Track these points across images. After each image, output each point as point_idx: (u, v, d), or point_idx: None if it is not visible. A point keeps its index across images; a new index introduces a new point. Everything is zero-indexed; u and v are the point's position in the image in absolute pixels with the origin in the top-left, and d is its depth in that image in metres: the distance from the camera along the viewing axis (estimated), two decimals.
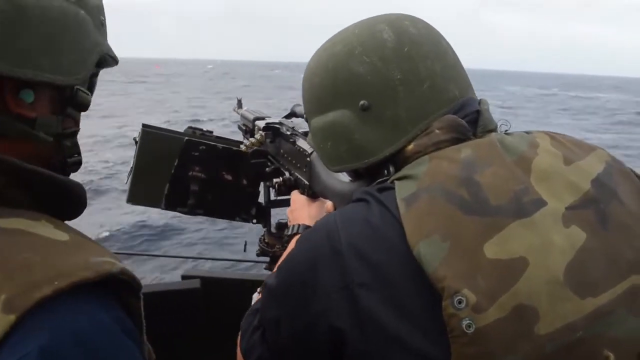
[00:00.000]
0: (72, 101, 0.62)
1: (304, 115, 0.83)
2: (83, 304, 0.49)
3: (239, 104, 1.62)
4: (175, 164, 1.30)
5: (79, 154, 0.67)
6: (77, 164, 0.67)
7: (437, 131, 0.68)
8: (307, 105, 0.81)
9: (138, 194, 1.33)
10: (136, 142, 1.32)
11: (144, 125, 1.32)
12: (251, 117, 1.44)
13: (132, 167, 1.32)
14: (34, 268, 0.48)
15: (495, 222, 0.59)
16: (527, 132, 0.71)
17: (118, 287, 0.53)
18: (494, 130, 0.72)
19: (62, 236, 0.54)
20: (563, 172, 0.65)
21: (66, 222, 0.61)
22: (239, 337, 0.80)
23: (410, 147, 0.69)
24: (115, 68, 0.72)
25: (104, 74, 0.71)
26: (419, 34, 0.73)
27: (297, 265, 0.68)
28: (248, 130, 1.49)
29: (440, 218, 0.59)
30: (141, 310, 0.56)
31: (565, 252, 0.59)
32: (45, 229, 0.54)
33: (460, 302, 0.55)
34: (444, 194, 0.61)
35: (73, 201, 0.62)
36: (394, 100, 0.70)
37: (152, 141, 1.30)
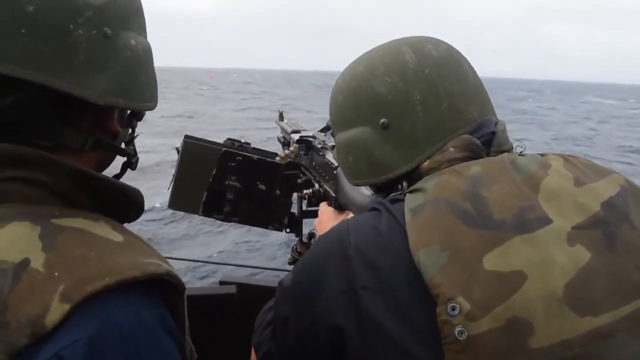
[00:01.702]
0: (138, 116, 0.74)
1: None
2: (129, 300, 0.53)
3: (281, 117, 1.68)
4: (213, 173, 1.35)
5: (137, 154, 0.75)
6: (137, 163, 0.76)
7: (451, 149, 0.71)
8: (332, 121, 0.86)
9: (178, 200, 1.39)
10: (178, 152, 1.39)
11: (186, 137, 1.39)
12: (289, 129, 1.50)
13: (173, 175, 1.39)
14: (89, 264, 0.53)
15: (496, 236, 0.61)
16: (542, 154, 0.73)
17: (163, 287, 0.58)
18: (509, 150, 0.74)
19: (117, 237, 0.59)
20: (572, 192, 0.66)
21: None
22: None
23: (426, 164, 0.72)
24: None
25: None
26: (440, 57, 0.76)
27: (309, 267, 0.72)
28: (286, 143, 1.55)
29: (442, 229, 0.62)
30: (184, 311, 0.61)
31: (566, 270, 0.59)
32: (102, 229, 0.59)
33: (453, 309, 0.57)
34: (448, 206, 0.63)
35: (131, 205, 0.68)
36: (413, 119, 0.74)
37: (192, 151, 1.37)
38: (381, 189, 0.83)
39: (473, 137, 0.72)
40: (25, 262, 0.51)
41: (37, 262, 0.52)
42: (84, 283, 0.51)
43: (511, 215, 0.62)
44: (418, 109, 0.73)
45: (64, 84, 0.58)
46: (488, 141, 0.73)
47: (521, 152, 0.74)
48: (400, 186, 0.75)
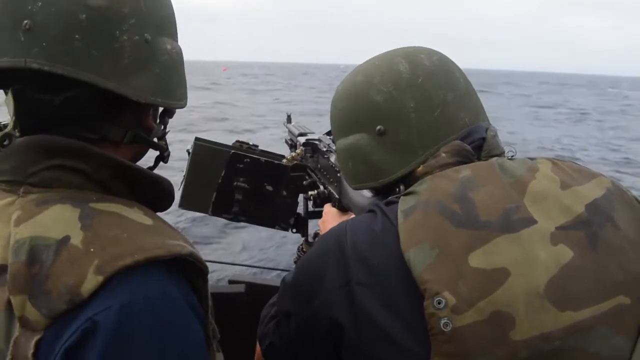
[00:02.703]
0: (170, 113, 0.80)
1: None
2: (155, 276, 0.59)
3: (288, 119, 1.72)
4: (222, 174, 1.40)
5: (168, 148, 0.82)
6: (168, 156, 0.82)
7: (443, 155, 0.75)
8: (333, 127, 0.90)
9: (188, 200, 1.44)
10: (189, 154, 1.44)
11: (196, 139, 1.44)
12: (296, 132, 1.53)
13: (184, 176, 1.44)
14: (121, 243, 0.59)
15: (481, 235, 0.64)
16: (531, 158, 0.76)
17: (188, 268, 0.63)
18: (499, 155, 0.77)
19: (148, 221, 0.65)
20: (558, 195, 0.69)
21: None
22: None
23: (420, 168, 0.76)
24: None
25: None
26: (432, 66, 0.80)
27: (309, 264, 0.77)
28: (293, 145, 1.58)
29: (432, 229, 0.66)
30: (207, 291, 0.66)
31: (549, 268, 0.63)
32: (135, 214, 0.65)
33: (439, 302, 0.61)
34: (438, 208, 0.67)
35: (162, 194, 0.74)
36: (407, 126, 0.78)
37: (202, 153, 1.41)
38: (380, 192, 0.87)
39: (464, 142, 0.76)
40: (66, 239, 0.58)
41: (76, 239, 0.58)
42: (115, 259, 0.57)
43: (497, 216, 0.66)
44: (412, 116, 0.77)
45: (111, 84, 0.64)
46: (479, 146, 0.77)
47: (512, 156, 0.78)
48: (398, 189, 0.79)
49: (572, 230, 0.66)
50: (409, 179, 0.78)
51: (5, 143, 0.60)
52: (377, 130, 0.80)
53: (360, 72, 0.84)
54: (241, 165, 1.40)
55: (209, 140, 1.47)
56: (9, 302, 0.56)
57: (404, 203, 0.70)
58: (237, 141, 1.51)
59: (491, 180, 0.70)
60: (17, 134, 0.62)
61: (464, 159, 0.75)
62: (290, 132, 1.63)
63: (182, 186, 1.43)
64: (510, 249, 0.64)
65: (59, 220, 0.60)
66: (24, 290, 0.56)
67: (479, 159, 0.76)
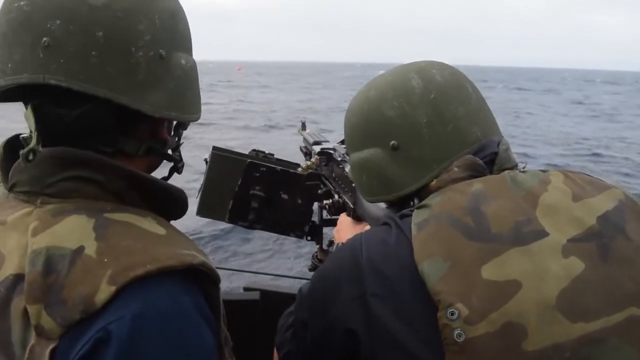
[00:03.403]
0: (184, 125, 0.81)
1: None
2: (167, 286, 0.60)
3: (303, 126, 1.74)
4: (239, 183, 1.42)
5: (182, 159, 0.84)
6: (182, 167, 0.84)
7: (455, 169, 0.76)
8: (346, 141, 0.92)
9: (206, 208, 1.46)
10: (206, 162, 1.47)
11: (214, 148, 1.47)
12: (311, 140, 1.55)
13: (202, 184, 1.47)
14: (134, 253, 0.60)
15: (493, 248, 0.66)
16: (543, 171, 0.77)
17: (200, 277, 0.64)
18: (511, 168, 0.78)
19: (161, 231, 0.66)
20: (569, 207, 0.70)
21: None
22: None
23: (434, 182, 0.78)
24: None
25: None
26: (444, 81, 0.81)
27: (325, 276, 0.79)
28: (308, 153, 1.61)
29: (444, 241, 0.67)
30: (219, 299, 0.67)
31: (560, 280, 0.64)
32: (149, 224, 0.66)
33: (452, 313, 0.62)
34: (450, 221, 0.69)
35: (174, 202, 0.75)
36: (420, 141, 0.79)
37: (220, 162, 1.44)
38: (394, 204, 0.89)
39: (476, 157, 0.77)
40: (81, 249, 0.60)
41: (91, 249, 0.60)
42: (128, 269, 0.58)
43: (508, 228, 0.67)
44: (425, 132, 0.79)
45: (125, 99, 0.66)
46: (491, 160, 0.78)
47: (523, 167, 0.79)
48: (412, 202, 0.80)
49: (583, 242, 0.67)
50: (423, 192, 0.79)
51: (30, 158, 0.61)
52: (390, 145, 0.81)
53: (373, 87, 0.86)
54: (257, 174, 1.43)
55: (226, 149, 1.50)
56: (25, 311, 0.58)
57: (418, 216, 0.72)
58: (253, 150, 1.54)
59: (503, 193, 0.71)
60: (41, 149, 0.63)
61: (476, 173, 0.76)
62: (305, 139, 1.65)
63: (200, 194, 1.46)
64: (521, 262, 0.65)
65: (74, 230, 0.62)
66: (40, 299, 0.57)
67: (491, 173, 0.77)
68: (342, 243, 1.14)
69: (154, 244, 0.63)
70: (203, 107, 0.80)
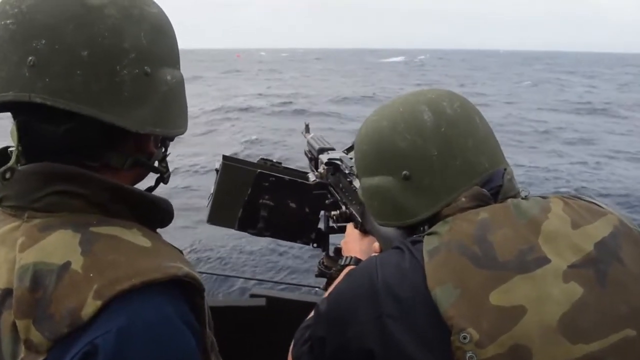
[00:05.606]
0: (171, 137, 0.82)
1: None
2: (152, 298, 0.62)
3: (307, 129, 1.76)
4: (249, 192, 1.47)
5: (168, 170, 0.84)
6: (168, 178, 0.84)
7: (463, 199, 0.82)
8: (357, 166, 0.96)
9: (216, 216, 1.51)
10: (217, 172, 1.51)
11: (224, 158, 1.51)
12: (316, 147, 1.58)
13: (212, 193, 1.51)
14: (119, 267, 0.62)
15: (500, 275, 0.71)
16: (543, 197, 0.83)
17: (185, 287, 0.66)
18: (515, 196, 0.83)
19: (146, 243, 0.68)
20: (569, 234, 0.76)
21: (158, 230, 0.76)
22: (291, 345, 0.96)
23: (443, 211, 0.83)
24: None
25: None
26: (454, 114, 0.86)
27: (343, 297, 0.84)
28: (312, 158, 1.64)
29: (454, 269, 0.73)
30: (204, 307, 0.69)
31: (561, 304, 0.70)
32: (134, 236, 0.68)
33: (465, 337, 0.68)
34: (459, 249, 0.74)
35: (160, 213, 0.77)
36: (431, 172, 0.84)
37: (230, 172, 1.48)
38: (404, 228, 0.93)
39: (484, 188, 0.82)
40: (67, 265, 0.61)
41: (77, 264, 0.61)
42: (113, 283, 0.60)
43: (513, 256, 0.73)
44: (436, 163, 0.84)
45: (110, 116, 0.67)
46: (497, 192, 0.83)
47: (525, 196, 0.84)
48: (422, 228, 0.85)
49: (582, 268, 0.73)
50: (434, 220, 0.84)
51: (7, 176, 0.62)
52: (402, 175, 0.85)
53: (385, 118, 0.90)
54: (266, 184, 1.47)
55: (236, 159, 1.54)
56: (14, 324, 0.59)
57: (428, 243, 0.77)
58: (262, 158, 1.58)
59: (507, 222, 0.77)
60: (19, 167, 0.64)
61: (482, 203, 0.81)
62: (309, 144, 1.68)
63: (210, 203, 1.50)
64: (526, 288, 0.71)
65: (60, 245, 0.63)
66: (28, 314, 0.59)
67: (496, 202, 0.82)
68: (352, 257, 1.18)
69: (139, 257, 0.65)
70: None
